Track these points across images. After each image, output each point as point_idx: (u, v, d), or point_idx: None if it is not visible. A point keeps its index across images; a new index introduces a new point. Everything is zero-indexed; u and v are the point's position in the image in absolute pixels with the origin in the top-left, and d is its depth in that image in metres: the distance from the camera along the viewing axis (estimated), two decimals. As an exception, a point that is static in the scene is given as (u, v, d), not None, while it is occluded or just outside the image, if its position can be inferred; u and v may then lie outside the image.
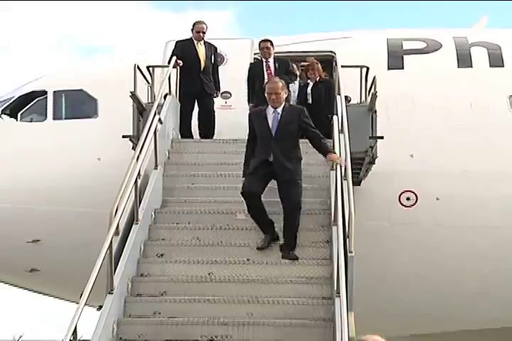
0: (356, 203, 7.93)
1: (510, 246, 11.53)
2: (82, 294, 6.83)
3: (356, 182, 10.06)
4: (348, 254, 7.28)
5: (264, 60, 11.75)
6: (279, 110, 8.60)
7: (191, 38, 11.67)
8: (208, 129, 11.53)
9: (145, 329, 7.57)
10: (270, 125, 8.54)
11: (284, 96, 8.67)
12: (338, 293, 6.95)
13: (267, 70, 11.61)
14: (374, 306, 10.22)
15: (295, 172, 8.47)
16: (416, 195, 11.49)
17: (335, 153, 8.59)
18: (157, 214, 9.23)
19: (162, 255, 8.62)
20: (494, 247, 11.53)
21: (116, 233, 7.85)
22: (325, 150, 8.58)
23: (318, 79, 11.77)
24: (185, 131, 11.38)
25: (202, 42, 11.65)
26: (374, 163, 10.79)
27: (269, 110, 8.64)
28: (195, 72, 11.42)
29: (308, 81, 11.97)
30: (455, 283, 11.67)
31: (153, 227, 9.00)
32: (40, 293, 13.32)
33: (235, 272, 8.20)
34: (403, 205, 11.46)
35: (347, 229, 7.60)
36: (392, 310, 11.00)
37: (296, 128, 8.57)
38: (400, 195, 11.45)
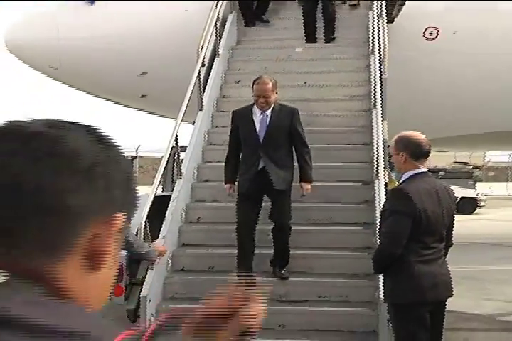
0: (389, 37, 7.66)
1: (506, 68, 11.17)
2: (179, 111, 6.90)
3: (390, 20, 9.61)
4: (383, 76, 7.13)
5: None
6: (268, 112, 5.86)
7: None
8: None
9: (228, 136, 7.62)
10: (257, 129, 5.83)
11: (274, 97, 5.87)
12: (375, 106, 6.88)
13: None
14: (402, 118, 10.06)
15: (287, 181, 5.78)
16: (437, 30, 11.01)
17: (310, 182, 5.92)
18: (233, 51, 9.06)
19: (239, 81, 8.52)
20: (494, 69, 11.19)
21: (203, 65, 7.78)
22: (302, 176, 5.91)
23: None
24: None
25: None
26: (404, 4, 10.27)
27: (256, 111, 5.89)
28: None
29: None
30: (465, 98, 11.45)
31: (231, 60, 8.87)
32: (149, 112, 13.55)
33: (295, 93, 8.11)
34: (427, 39, 11.02)
35: (382, 57, 7.39)
36: (416, 120, 10.83)
37: (288, 134, 5.83)
38: (424, 31, 10.99)
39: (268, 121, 5.83)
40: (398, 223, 3.90)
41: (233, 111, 6.16)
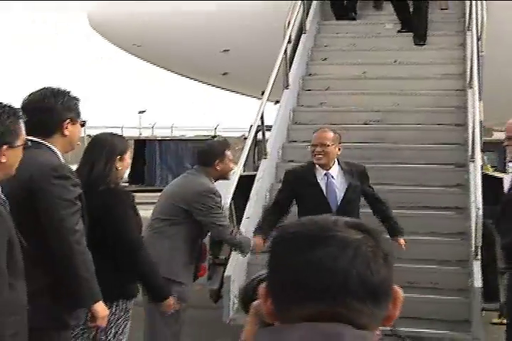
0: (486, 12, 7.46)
1: None
2: (263, 89, 6.95)
3: None
4: (480, 54, 6.97)
5: None
6: (334, 172, 5.00)
7: None
8: None
9: (314, 115, 7.60)
10: (326, 195, 4.97)
11: (335, 152, 4.97)
12: (471, 85, 6.74)
13: None
14: (498, 98, 9.79)
15: None
16: (538, 4, 10.59)
17: (401, 236, 5.20)
18: (321, 26, 8.98)
19: (326, 59, 8.46)
20: None
21: (289, 41, 7.79)
22: (392, 232, 5.13)
23: None
24: None
25: None
26: None
27: (319, 172, 5.00)
28: None
29: None
30: None
31: (317, 36, 8.79)
32: (230, 90, 13.64)
33: (384, 71, 8.02)
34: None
35: (479, 33, 7.21)
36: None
37: (359, 195, 5.09)
38: (524, 4, 10.58)
39: (339, 186, 4.99)
40: None
41: (288, 172, 5.30)
